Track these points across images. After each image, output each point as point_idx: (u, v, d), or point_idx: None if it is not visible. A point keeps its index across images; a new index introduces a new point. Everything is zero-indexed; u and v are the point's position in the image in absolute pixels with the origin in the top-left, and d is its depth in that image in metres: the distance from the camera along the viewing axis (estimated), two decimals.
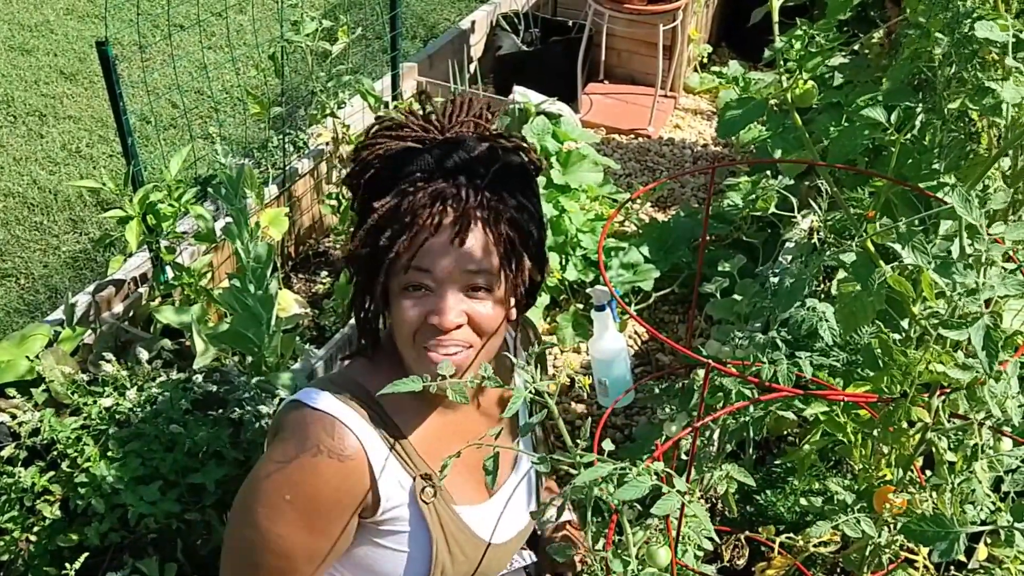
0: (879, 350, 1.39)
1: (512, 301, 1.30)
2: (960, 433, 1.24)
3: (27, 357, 2.12)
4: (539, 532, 1.61)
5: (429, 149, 1.23)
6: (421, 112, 1.31)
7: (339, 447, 1.23)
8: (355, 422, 1.25)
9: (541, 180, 3.03)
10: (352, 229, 1.29)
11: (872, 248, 1.30)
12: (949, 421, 1.25)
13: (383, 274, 1.23)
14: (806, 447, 1.66)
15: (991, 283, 1.06)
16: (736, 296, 1.54)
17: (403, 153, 1.23)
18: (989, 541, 1.45)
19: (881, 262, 1.27)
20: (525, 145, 1.30)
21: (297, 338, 2.40)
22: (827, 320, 1.35)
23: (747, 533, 1.65)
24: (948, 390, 1.22)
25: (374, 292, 1.26)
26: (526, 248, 1.27)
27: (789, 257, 2.61)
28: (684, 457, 1.65)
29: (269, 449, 1.27)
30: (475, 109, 1.31)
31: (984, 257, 1.07)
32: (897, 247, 1.13)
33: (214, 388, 1.98)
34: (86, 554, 1.74)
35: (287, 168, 3.01)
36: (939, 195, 1.44)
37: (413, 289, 1.23)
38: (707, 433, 1.63)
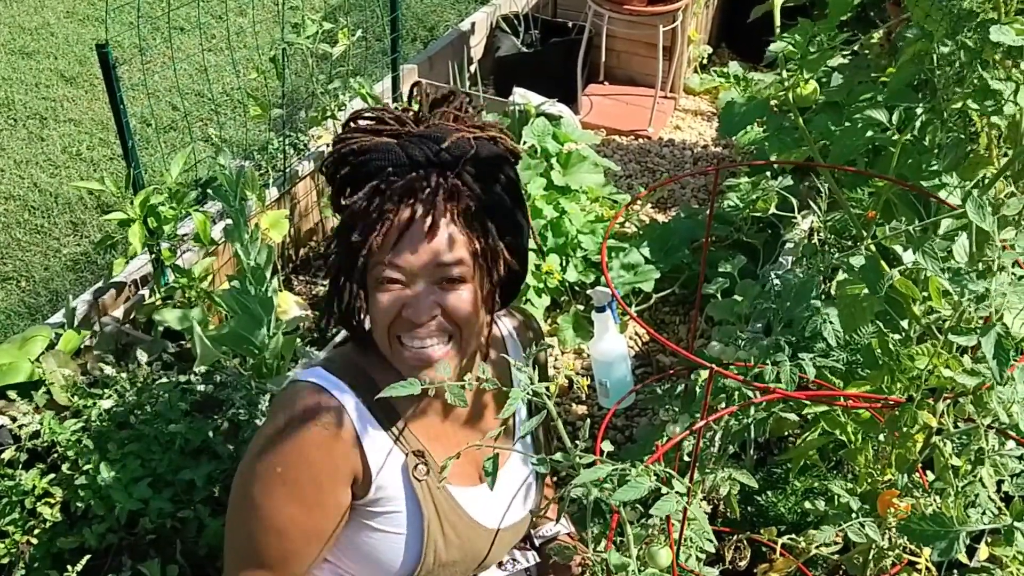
0: (879, 350, 1.39)
1: (489, 291, 1.30)
2: (964, 437, 1.24)
3: (28, 360, 2.12)
4: (536, 544, 1.61)
5: (403, 143, 1.23)
6: (399, 107, 1.32)
7: (325, 416, 1.24)
8: (344, 395, 1.26)
9: (541, 182, 3.04)
10: (335, 227, 1.31)
11: (874, 249, 1.30)
12: (955, 425, 1.25)
13: (357, 269, 1.24)
14: (804, 444, 1.66)
15: (1002, 291, 1.06)
16: (737, 297, 1.54)
17: (376, 147, 1.23)
18: (990, 541, 1.44)
19: (883, 264, 1.27)
20: (501, 135, 1.29)
21: (298, 340, 2.39)
22: (830, 321, 1.35)
23: (748, 534, 1.65)
24: (953, 395, 1.21)
25: (351, 286, 1.27)
26: (502, 238, 1.27)
27: (790, 258, 2.61)
28: (686, 459, 1.64)
29: (261, 426, 1.29)
30: (455, 102, 1.31)
31: (996, 264, 1.07)
32: (899, 249, 1.13)
33: (213, 389, 1.98)
34: (88, 556, 1.74)
35: (288, 170, 3.01)
36: (940, 195, 1.45)
37: (388, 283, 1.23)
38: (708, 434, 1.62)
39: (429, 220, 1.20)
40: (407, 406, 1.33)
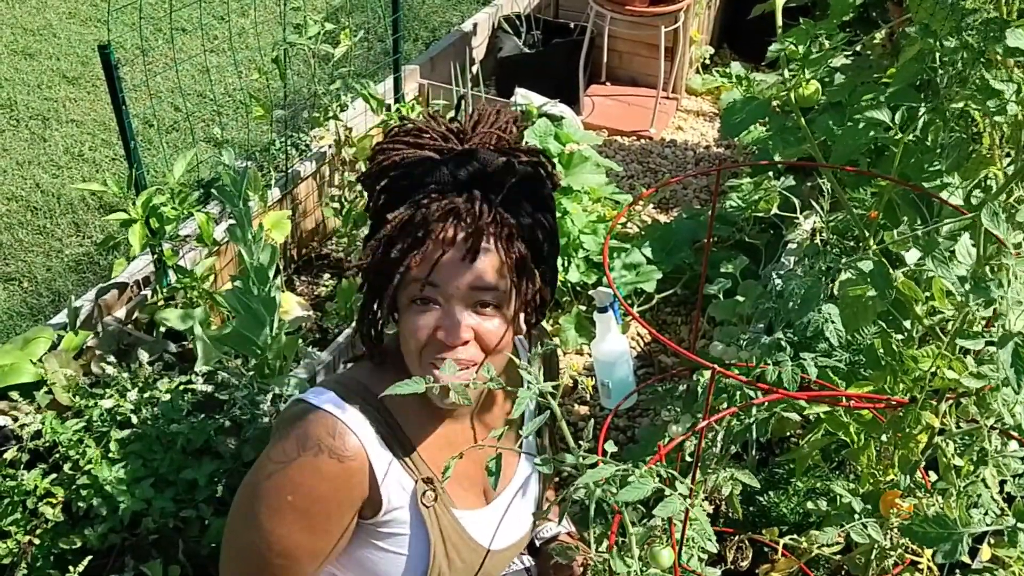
0: (882, 351, 1.39)
1: (521, 317, 1.29)
2: (967, 437, 1.24)
3: (30, 360, 2.12)
4: (536, 544, 1.61)
5: (446, 161, 1.21)
6: (443, 120, 1.30)
7: (340, 447, 1.22)
8: (357, 423, 1.25)
9: None
10: (366, 234, 1.28)
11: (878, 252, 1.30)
12: (957, 426, 1.25)
13: (393, 286, 1.22)
14: (806, 446, 1.66)
15: (1017, 298, 1.05)
16: (739, 297, 1.54)
17: (420, 163, 1.21)
18: (992, 542, 1.44)
19: (886, 264, 1.27)
20: (545, 160, 1.28)
21: (300, 341, 2.40)
22: (833, 322, 1.34)
23: (750, 535, 1.65)
24: (956, 396, 1.21)
25: (383, 302, 1.25)
26: (538, 266, 1.26)
27: (792, 258, 2.61)
28: (688, 459, 1.64)
29: (269, 448, 1.27)
30: (500, 122, 1.29)
31: (1011, 270, 1.07)
32: (903, 251, 1.13)
33: (214, 389, 1.98)
34: (90, 556, 1.74)
35: (289, 171, 3.01)
36: (942, 195, 1.44)
37: (422, 303, 1.22)
38: (710, 435, 1.62)
39: (471, 243, 1.19)
40: (418, 429, 1.32)
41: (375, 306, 1.27)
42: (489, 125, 1.28)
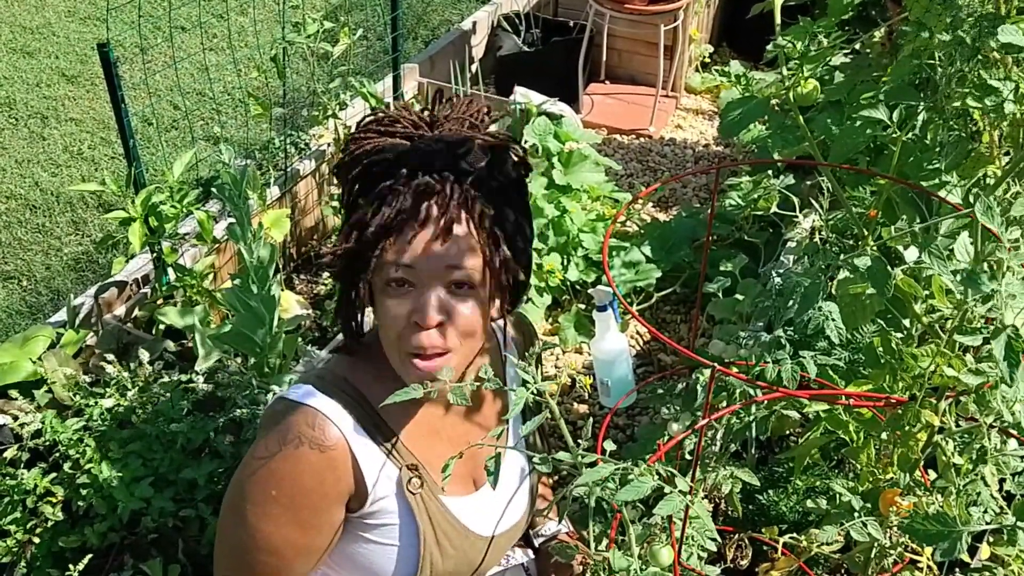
0: (881, 349, 1.39)
1: (496, 300, 1.30)
2: (966, 436, 1.24)
3: (30, 359, 2.12)
4: (535, 546, 1.60)
5: (416, 146, 1.23)
6: (416, 109, 1.31)
7: (320, 438, 1.23)
8: (336, 413, 1.25)
9: (543, 181, 3.04)
10: (340, 225, 1.29)
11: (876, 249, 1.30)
12: (957, 425, 1.25)
13: (369, 271, 1.23)
14: (805, 443, 1.66)
15: (1012, 291, 1.05)
16: (738, 296, 1.54)
17: (391, 149, 1.23)
18: (992, 540, 1.44)
19: (883, 259, 1.27)
20: (516, 144, 1.29)
21: (299, 339, 2.40)
22: (833, 320, 1.35)
23: (750, 533, 1.65)
24: (955, 394, 1.21)
25: (359, 288, 1.26)
26: (511, 246, 1.26)
27: (791, 257, 2.61)
28: (688, 457, 1.64)
29: (253, 446, 1.27)
30: (471, 110, 1.30)
31: (1005, 264, 1.07)
32: (901, 248, 1.13)
33: (214, 388, 1.98)
34: (90, 555, 1.75)
35: (289, 169, 3.01)
36: (941, 193, 1.45)
37: (396, 285, 1.22)
38: (710, 433, 1.62)
39: (443, 223, 1.19)
40: (399, 418, 1.32)
41: (352, 294, 1.27)
42: (459, 112, 1.29)
